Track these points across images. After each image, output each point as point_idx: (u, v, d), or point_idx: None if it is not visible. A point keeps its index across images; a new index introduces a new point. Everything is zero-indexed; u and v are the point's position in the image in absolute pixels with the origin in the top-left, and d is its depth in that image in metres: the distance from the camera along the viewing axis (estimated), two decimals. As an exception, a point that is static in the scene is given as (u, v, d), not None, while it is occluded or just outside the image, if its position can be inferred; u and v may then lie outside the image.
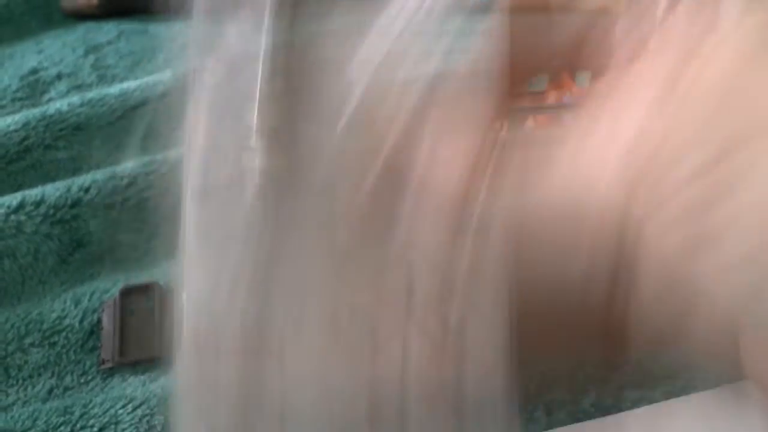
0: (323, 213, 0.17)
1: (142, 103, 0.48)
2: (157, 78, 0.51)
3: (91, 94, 0.48)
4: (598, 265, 0.17)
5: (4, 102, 0.49)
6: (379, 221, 0.17)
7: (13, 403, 0.36)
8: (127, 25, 0.58)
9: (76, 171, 0.44)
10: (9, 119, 0.46)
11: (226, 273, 0.17)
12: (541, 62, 0.19)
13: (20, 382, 0.36)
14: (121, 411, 0.34)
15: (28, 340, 0.38)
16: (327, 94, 0.18)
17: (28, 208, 0.41)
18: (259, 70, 0.18)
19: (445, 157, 0.16)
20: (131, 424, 0.34)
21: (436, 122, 0.16)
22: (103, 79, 0.52)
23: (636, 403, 0.33)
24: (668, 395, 0.33)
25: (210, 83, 0.18)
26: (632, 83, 0.15)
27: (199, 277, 0.17)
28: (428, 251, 0.16)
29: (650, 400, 0.33)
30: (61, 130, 0.46)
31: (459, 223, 0.16)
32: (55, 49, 0.54)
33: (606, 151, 0.14)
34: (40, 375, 0.37)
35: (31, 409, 0.35)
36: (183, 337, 0.16)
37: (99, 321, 0.38)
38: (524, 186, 0.15)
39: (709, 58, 0.13)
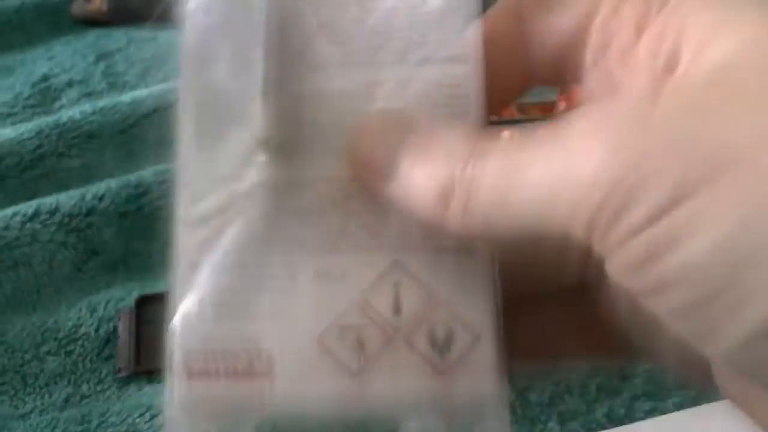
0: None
1: (153, 111, 0.48)
2: (168, 86, 0.51)
3: (103, 102, 0.48)
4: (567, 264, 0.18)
5: (16, 109, 0.49)
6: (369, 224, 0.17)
7: (31, 411, 0.36)
8: (137, 32, 0.58)
9: (89, 179, 0.44)
10: (22, 127, 0.46)
11: (216, 296, 0.17)
12: (521, 82, 0.19)
13: (37, 390, 0.37)
14: (138, 419, 0.34)
15: (44, 349, 0.38)
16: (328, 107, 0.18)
17: (42, 217, 0.41)
18: (260, 72, 0.18)
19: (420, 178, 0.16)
20: (149, 433, 0.34)
21: (414, 146, 0.16)
22: (113, 87, 0.52)
23: (648, 414, 0.34)
24: (679, 406, 0.34)
25: (199, 96, 0.18)
26: (595, 114, 0.15)
27: (189, 302, 0.17)
28: (414, 264, 0.17)
29: (662, 411, 0.34)
30: (74, 138, 0.46)
31: (440, 240, 0.17)
32: (65, 56, 0.54)
33: (566, 179, 0.14)
34: (56, 383, 0.37)
35: (49, 417, 0.35)
36: (174, 361, 0.17)
37: (115, 329, 0.38)
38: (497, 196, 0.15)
39: (665, 98, 0.14)
